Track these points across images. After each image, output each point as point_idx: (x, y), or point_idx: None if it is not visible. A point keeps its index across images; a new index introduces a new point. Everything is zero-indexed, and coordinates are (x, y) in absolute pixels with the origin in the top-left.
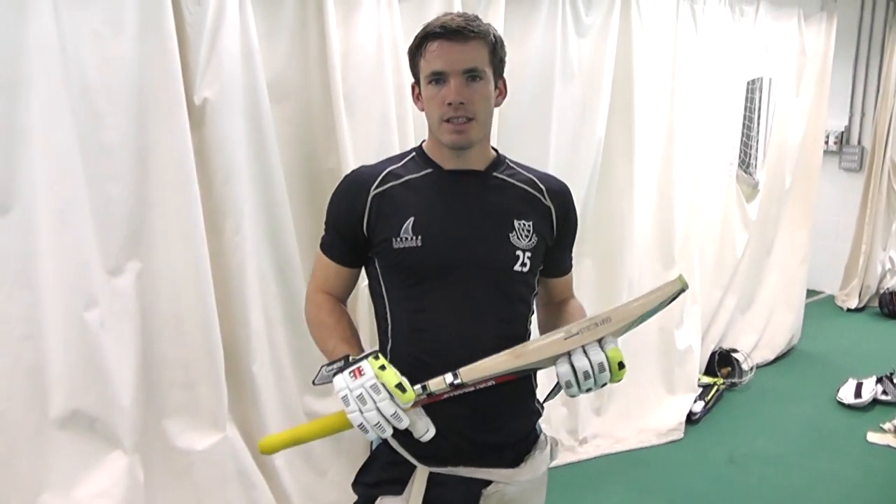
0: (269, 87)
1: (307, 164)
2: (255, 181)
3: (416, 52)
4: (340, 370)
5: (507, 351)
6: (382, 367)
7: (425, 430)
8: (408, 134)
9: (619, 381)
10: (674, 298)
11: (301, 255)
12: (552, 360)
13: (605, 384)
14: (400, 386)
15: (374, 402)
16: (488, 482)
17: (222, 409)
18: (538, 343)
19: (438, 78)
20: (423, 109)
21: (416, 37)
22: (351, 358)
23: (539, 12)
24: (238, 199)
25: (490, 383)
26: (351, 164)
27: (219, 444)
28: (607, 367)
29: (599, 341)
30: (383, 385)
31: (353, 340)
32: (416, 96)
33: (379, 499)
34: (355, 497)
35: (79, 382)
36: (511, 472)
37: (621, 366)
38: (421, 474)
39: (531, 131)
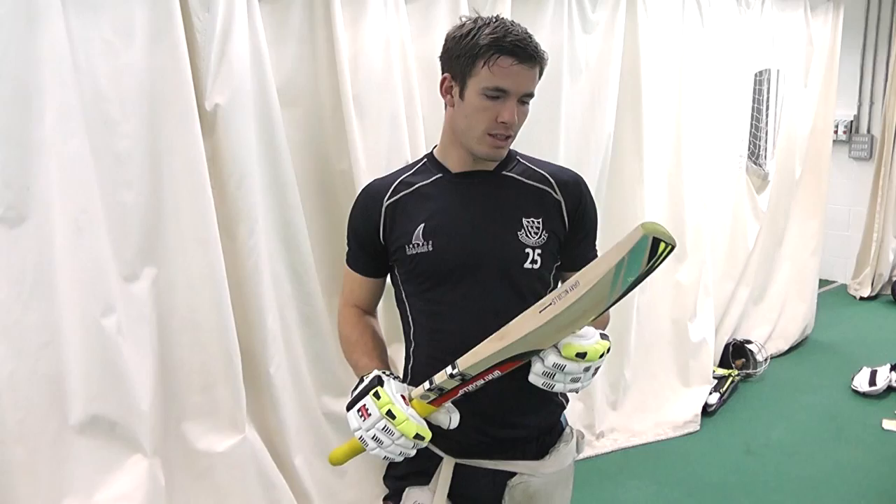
0: (279, 91)
1: (319, 166)
2: (268, 185)
3: (475, 55)
4: (349, 407)
5: (492, 335)
6: (390, 413)
7: (448, 420)
8: (417, 134)
9: (600, 359)
10: (655, 255)
11: (315, 256)
12: (541, 340)
13: (580, 378)
14: (418, 436)
15: (392, 441)
16: (513, 473)
17: (241, 411)
18: (516, 320)
19: (499, 95)
20: (452, 105)
21: (477, 42)
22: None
23: (545, 10)
24: (251, 202)
25: (496, 374)
26: (362, 165)
27: (238, 445)
28: (567, 366)
29: (556, 345)
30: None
31: (374, 352)
32: (447, 89)
33: (407, 490)
34: (375, 495)
35: (98, 388)
36: (536, 464)
37: (581, 356)
38: (447, 465)
39: (540, 128)
